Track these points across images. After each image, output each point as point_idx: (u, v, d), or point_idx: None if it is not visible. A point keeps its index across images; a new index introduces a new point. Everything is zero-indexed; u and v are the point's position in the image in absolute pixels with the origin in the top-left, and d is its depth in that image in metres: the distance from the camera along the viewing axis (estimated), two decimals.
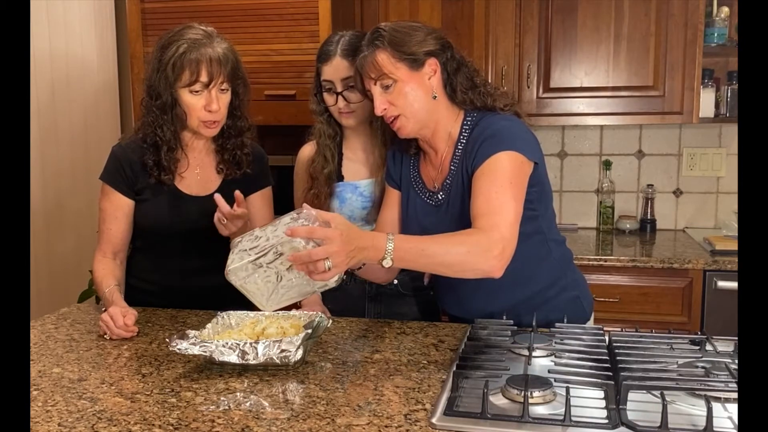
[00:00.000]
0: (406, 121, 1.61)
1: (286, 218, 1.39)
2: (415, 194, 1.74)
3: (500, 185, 1.51)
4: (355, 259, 1.36)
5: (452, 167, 1.65)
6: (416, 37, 1.59)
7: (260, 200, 2.00)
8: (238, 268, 1.39)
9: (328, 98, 1.88)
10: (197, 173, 1.91)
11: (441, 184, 1.68)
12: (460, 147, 1.64)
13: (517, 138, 1.58)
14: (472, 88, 1.65)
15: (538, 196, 1.64)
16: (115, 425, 1.17)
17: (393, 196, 1.82)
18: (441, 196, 1.67)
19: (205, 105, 1.77)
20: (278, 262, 1.39)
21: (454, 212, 1.64)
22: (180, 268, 1.75)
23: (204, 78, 1.75)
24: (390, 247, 1.38)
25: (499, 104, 1.65)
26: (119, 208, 1.87)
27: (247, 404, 1.26)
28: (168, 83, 1.77)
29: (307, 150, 2.01)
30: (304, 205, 1.40)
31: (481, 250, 1.43)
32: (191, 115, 1.80)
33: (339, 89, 1.84)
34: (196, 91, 1.76)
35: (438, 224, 1.65)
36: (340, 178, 1.96)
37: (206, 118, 1.79)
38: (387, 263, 1.39)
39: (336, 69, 1.84)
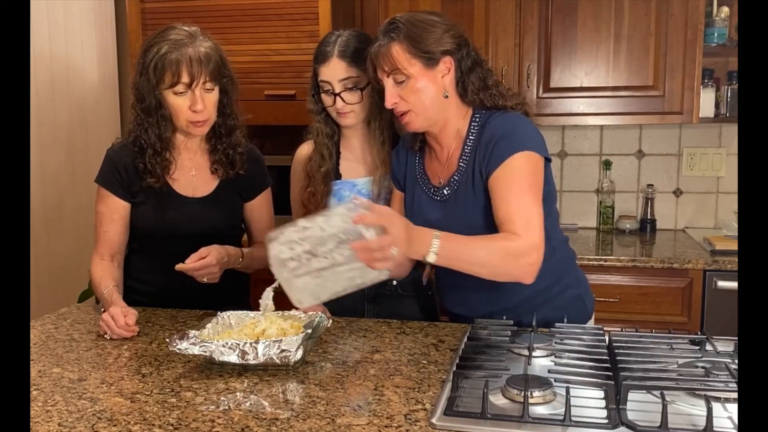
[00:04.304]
0: (416, 117, 1.62)
1: (340, 209, 1.36)
2: (420, 190, 1.74)
3: (522, 189, 1.53)
4: (408, 246, 1.38)
5: (461, 164, 1.65)
6: (434, 34, 1.57)
7: (261, 202, 2.01)
8: (289, 259, 1.35)
9: (326, 99, 1.88)
10: (193, 174, 1.91)
11: (447, 180, 1.68)
12: (469, 144, 1.64)
13: (530, 137, 1.59)
14: (484, 89, 1.64)
15: (545, 197, 1.64)
16: (115, 425, 1.17)
17: (398, 200, 1.82)
18: (446, 191, 1.67)
19: (189, 105, 1.76)
20: (336, 252, 1.36)
21: (463, 209, 1.64)
22: (177, 270, 1.75)
23: (185, 78, 1.74)
24: (436, 244, 1.41)
25: (510, 103, 1.66)
26: (115, 211, 1.87)
27: (247, 404, 1.26)
28: (151, 86, 1.76)
29: (305, 149, 2.01)
30: (354, 196, 1.41)
31: (517, 257, 1.48)
32: (178, 116, 1.79)
33: (337, 90, 1.84)
34: (180, 92, 1.75)
35: (444, 220, 1.65)
36: (338, 176, 1.96)
37: (193, 119, 1.79)
38: (431, 258, 1.42)
39: (333, 70, 1.83)
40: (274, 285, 1.52)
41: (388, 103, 1.61)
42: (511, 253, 1.48)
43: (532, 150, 1.56)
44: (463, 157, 1.65)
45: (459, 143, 1.66)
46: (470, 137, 1.65)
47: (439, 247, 1.42)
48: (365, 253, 1.33)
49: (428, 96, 1.59)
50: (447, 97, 1.61)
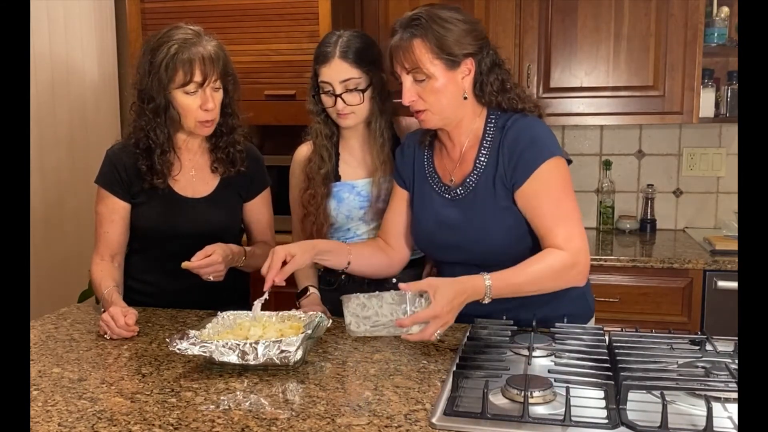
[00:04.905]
0: (432, 116, 1.61)
1: (389, 298, 1.57)
2: (430, 188, 1.72)
3: (556, 196, 1.56)
4: (460, 308, 1.46)
5: (477, 164, 1.64)
6: (457, 35, 1.55)
7: (260, 202, 2.01)
8: (359, 332, 1.61)
9: (326, 100, 1.87)
10: (192, 175, 1.91)
11: (462, 179, 1.67)
12: (486, 145, 1.64)
13: (552, 140, 1.61)
14: (502, 92, 1.64)
15: None
16: (115, 425, 1.17)
17: (399, 198, 1.80)
18: (460, 190, 1.66)
19: (200, 104, 1.76)
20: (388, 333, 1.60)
21: (479, 210, 1.63)
22: (177, 270, 1.75)
23: (198, 77, 1.74)
24: (488, 284, 1.47)
25: (527, 106, 1.65)
26: (115, 212, 1.87)
27: (247, 404, 1.26)
28: (161, 86, 1.75)
29: (304, 150, 2.01)
30: (400, 285, 1.47)
31: (566, 271, 1.53)
32: (187, 116, 1.79)
33: (338, 91, 1.83)
34: (191, 92, 1.75)
35: (458, 219, 1.65)
36: (337, 177, 1.96)
37: (203, 118, 1.78)
38: (486, 301, 1.49)
39: (335, 71, 1.82)
40: (261, 300, 1.58)
41: (406, 101, 1.59)
42: (559, 272, 1.52)
43: (558, 154, 1.58)
44: (480, 158, 1.64)
45: (474, 142, 1.65)
46: (487, 137, 1.64)
47: (491, 288, 1.47)
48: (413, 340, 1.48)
49: (447, 96, 1.58)
50: (466, 98, 1.61)
